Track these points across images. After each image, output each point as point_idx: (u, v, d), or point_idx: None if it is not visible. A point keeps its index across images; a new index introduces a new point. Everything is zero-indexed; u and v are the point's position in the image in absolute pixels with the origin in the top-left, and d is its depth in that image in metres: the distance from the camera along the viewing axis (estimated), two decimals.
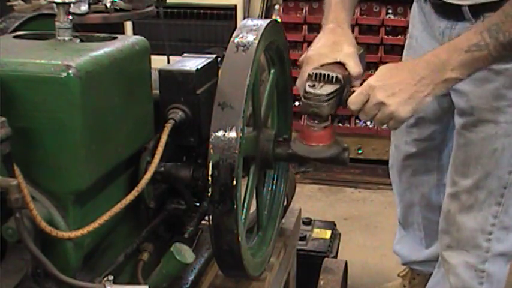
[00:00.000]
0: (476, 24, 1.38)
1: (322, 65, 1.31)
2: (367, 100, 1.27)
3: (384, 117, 1.28)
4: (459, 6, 1.49)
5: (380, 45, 3.49)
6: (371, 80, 1.27)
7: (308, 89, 1.28)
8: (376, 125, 1.35)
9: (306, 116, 1.33)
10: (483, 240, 1.61)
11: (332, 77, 1.28)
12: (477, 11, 1.46)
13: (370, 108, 1.27)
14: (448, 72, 1.26)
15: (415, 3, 1.77)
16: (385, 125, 1.31)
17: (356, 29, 3.51)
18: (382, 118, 1.28)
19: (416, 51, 1.75)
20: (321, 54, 1.33)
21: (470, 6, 1.47)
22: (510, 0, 1.26)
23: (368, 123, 3.60)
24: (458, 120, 1.61)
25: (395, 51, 3.39)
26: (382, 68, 1.31)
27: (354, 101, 1.28)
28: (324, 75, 1.28)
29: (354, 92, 1.29)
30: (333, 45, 1.34)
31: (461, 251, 1.63)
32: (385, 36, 3.51)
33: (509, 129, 1.52)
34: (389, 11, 3.57)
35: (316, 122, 1.30)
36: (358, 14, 3.61)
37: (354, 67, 1.31)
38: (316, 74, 1.29)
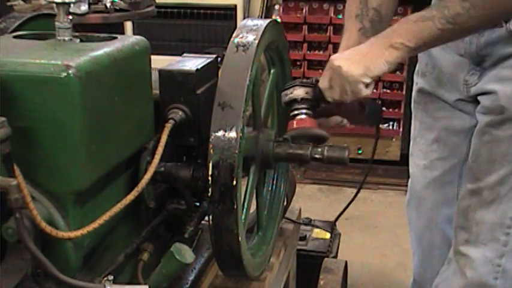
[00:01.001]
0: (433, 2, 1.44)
1: None
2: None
3: (341, 81, 1.37)
4: None
5: None
6: (332, 57, 1.40)
7: (284, 93, 1.46)
8: (338, 97, 1.40)
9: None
10: (501, 234, 1.60)
11: (307, 82, 1.45)
12: None
13: (331, 76, 1.39)
14: (394, 37, 1.36)
15: None
16: (346, 97, 1.40)
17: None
18: (339, 83, 1.38)
19: (427, 65, 1.77)
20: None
21: None
22: None
23: None
24: (482, 118, 1.61)
25: None
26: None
27: (322, 81, 1.42)
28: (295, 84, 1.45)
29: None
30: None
31: (479, 245, 1.63)
32: None
33: None
34: None
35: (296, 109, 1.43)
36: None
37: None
38: (289, 86, 1.46)
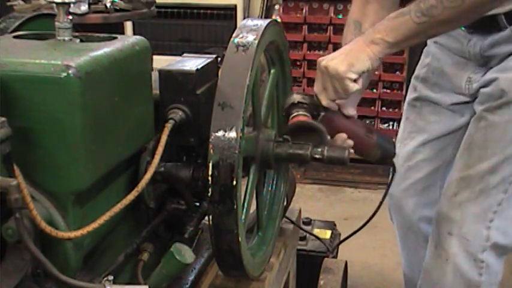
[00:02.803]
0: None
1: None
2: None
3: (330, 78, 1.41)
4: (494, 16, 1.50)
5: None
6: (318, 59, 1.45)
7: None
8: (334, 97, 1.42)
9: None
10: (484, 228, 1.59)
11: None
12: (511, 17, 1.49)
13: (322, 80, 1.43)
14: (375, 33, 1.42)
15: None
16: (337, 94, 1.43)
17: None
18: (329, 81, 1.42)
19: (428, 70, 1.79)
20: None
21: (506, 13, 1.49)
22: None
23: (368, 123, 3.61)
24: (479, 107, 1.61)
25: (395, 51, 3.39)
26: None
27: (315, 85, 1.46)
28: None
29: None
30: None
31: (461, 239, 1.62)
32: None
33: None
34: None
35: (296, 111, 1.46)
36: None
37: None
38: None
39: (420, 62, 1.87)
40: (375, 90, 3.58)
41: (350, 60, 1.40)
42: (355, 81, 1.41)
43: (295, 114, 1.44)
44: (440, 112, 1.79)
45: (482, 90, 1.62)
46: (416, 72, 1.87)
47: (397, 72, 3.60)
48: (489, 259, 1.62)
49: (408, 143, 1.88)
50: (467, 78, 1.65)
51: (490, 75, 1.58)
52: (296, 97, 1.45)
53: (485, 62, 1.60)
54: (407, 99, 1.91)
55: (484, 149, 1.57)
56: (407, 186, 1.89)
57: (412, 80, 1.89)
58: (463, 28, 1.62)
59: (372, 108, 3.60)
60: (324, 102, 1.44)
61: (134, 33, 3.73)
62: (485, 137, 1.57)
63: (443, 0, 1.35)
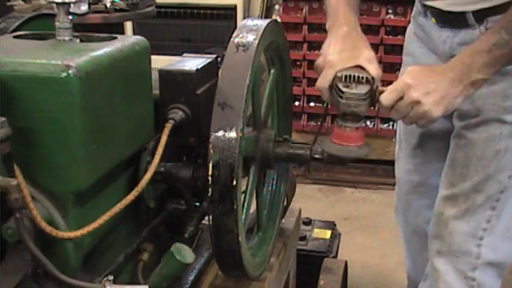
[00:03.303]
0: (492, 26, 1.37)
1: (344, 69, 1.34)
2: (401, 98, 1.32)
3: (417, 115, 1.32)
4: (462, 13, 1.48)
5: (380, 45, 3.49)
6: (406, 78, 1.31)
7: (345, 89, 1.30)
8: (406, 123, 1.37)
9: (338, 116, 1.35)
10: (474, 246, 1.57)
11: (363, 77, 1.30)
12: (481, 16, 1.46)
13: (404, 106, 1.31)
14: (474, 74, 1.31)
15: (412, 22, 1.75)
16: (415, 124, 1.35)
17: None
18: (414, 116, 1.33)
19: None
20: (342, 59, 1.35)
21: (474, 12, 1.47)
22: None
23: (368, 123, 3.60)
24: (458, 123, 1.59)
25: (396, 51, 3.40)
26: (414, 68, 1.35)
27: (388, 97, 1.32)
28: (355, 76, 1.30)
29: (383, 91, 1.33)
30: (353, 50, 1.36)
31: (451, 257, 1.59)
32: (385, 36, 3.52)
33: None
34: (390, 10, 3.57)
35: (350, 122, 1.33)
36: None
37: (375, 70, 1.35)
38: (346, 76, 1.30)
39: (403, 62, 1.82)
40: None
41: (447, 105, 1.32)
42: None
43: (350, 125, 1.33)
44: None
45: None
46: (401, 72, 1.81)
47: (397, 72, 3.60)
48: (481, 277, 1.59)
49: (403, 145, 1.86)
50: None
51: None
52: (361, 90, 1.30)
53: None
54: None
55: (466, 168, 1.55)
56: (411, 189, 1.88)
57: None
58: (434, 20, 1.58)
59: (372, 108, 3.61)
60: (385, 111, 1.35)
61: (134, 33, 3.73)
62: (466, 155, 1.55)
63: None
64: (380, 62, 3.36)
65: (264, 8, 3.77)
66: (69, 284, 1.01)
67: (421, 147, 1.81)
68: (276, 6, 3.78)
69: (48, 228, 0.98)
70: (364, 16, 3.54)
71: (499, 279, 1.65)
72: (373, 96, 1.32)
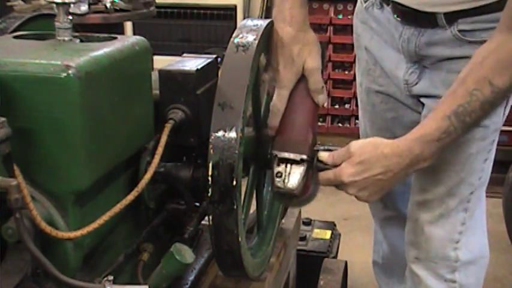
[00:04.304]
0: (442, 104, 1.31)
1: (290, 92, 1.37)
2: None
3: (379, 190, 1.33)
4: (433, 13, 1.43)
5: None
6: (343, 176, 1.30)
7: (277, 182, 1.31)
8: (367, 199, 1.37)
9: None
10: (451, 250, 1.55)
11: (298, 160, 1.31)
12: (452, 18, 1.41)
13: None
14: (421, 163, 1.30)
15: (357, 12, 1.68)
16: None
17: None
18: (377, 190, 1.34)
19: (368, 62, 1.68)
20: (288, 76, 1.36)
21: (446, 14, 1.42)
22: (470, 67, 1.27)
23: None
24: None
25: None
26: (354, 157, 1.30)
27: (325, 183, 1.36)
28: (289, 159, 1.32)
29: (323, 159, 1.34)
30: (297, 59, 1.35)
31: (429, 263, 1.58)
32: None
33: (485, 132, 1.48)
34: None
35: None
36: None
37: (315, 83, 1.37)
38: (281, 159, 1.32)
39: (358, 57, 1.74)
40: None
41: (384, 192, 1.34)
42: None
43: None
44: (396, 107, 1.67)
45: (425, 101, 1.54)
46: (356, 67, 1.77)
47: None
48: (462, 278, 1.57)
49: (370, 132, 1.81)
50: (404, 81, 1.56)
51: (433, 88, 1.49)
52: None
53: (419, 60, 1.52)
54: (359, 98, 1.80)
55: (437, 173, 1.52)
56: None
57: (357, 76, 1.78)
58: (395, 15, 1.51)
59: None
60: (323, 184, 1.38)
61: (134, 33, 3.73)
62: (438, 160, 1.53)
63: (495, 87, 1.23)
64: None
65: (264, 8, 3.77)
66: (69, 284, 1.00)
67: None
68: None
69: (48, 229, 0.98)
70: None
71: (481, 274, 1.64)
72: (311, 168, 1.34)
